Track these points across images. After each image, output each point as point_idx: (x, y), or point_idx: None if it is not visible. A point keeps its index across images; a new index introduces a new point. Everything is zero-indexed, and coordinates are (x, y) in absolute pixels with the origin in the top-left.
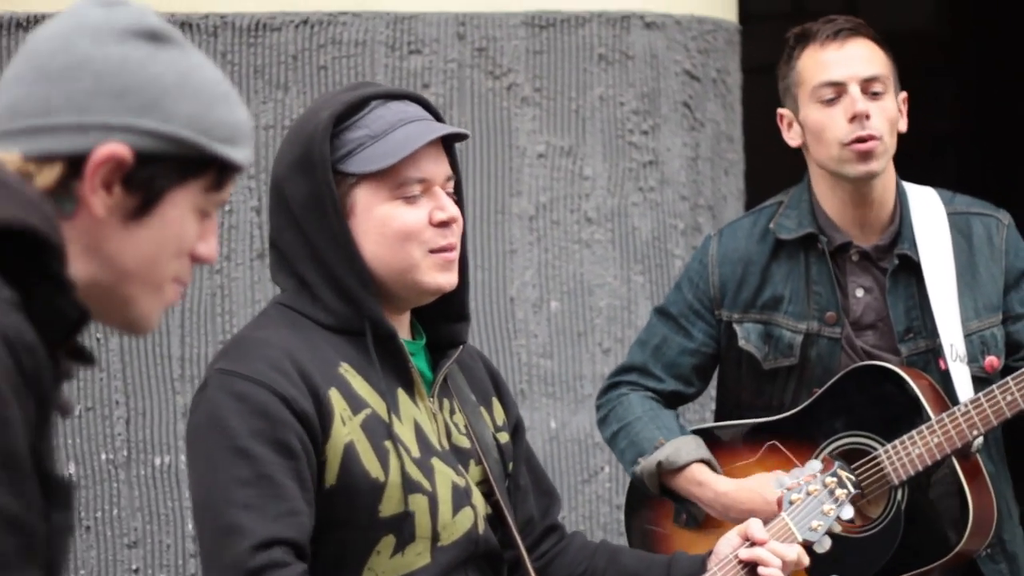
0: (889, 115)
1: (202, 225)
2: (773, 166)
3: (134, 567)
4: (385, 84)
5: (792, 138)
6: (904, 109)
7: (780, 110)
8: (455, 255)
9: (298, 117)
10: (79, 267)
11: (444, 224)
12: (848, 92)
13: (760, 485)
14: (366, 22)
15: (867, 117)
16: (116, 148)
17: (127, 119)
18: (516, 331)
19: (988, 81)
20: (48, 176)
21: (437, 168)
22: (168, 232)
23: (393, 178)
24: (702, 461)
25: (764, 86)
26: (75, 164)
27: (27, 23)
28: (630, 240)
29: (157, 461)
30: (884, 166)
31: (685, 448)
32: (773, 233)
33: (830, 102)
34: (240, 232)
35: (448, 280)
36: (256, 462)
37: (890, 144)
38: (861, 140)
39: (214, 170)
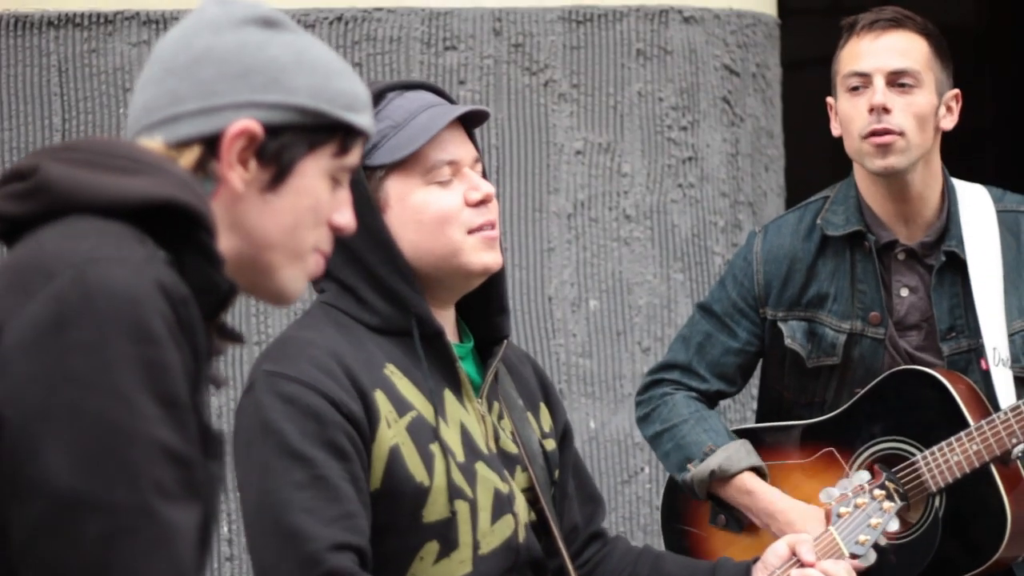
0: (917, 110)
1: (334, 195)
2: (813, 161)
3: None
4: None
5: (835, 128)
6: (955, 107)
7: (828, 99)
8: (496, 232)
9: None
10: (224, 242)
11: (480, 203)
12: (872, 83)
13: (813, 511)
14: (401, 18)
15: (885, 110)
16: (247, 123)
17: (252, 96)
18: (555, 330)
19: None
20: (188, 159)
21: (464, 149)
22: (304, 200)
23: (422, 163)
24: (753, 469)
25: (803, 81)
26: (210, 145)
27: (58, 22)
28: (669, 237)
29: None
30: (907, 162)
31: (737, 455)
32: (820, 229)
33: (855, 92)
34: None
35: (494, 259)
36: (310, 464)
37: (916, 141)
38: (876, 133)
39: (339, 136)
